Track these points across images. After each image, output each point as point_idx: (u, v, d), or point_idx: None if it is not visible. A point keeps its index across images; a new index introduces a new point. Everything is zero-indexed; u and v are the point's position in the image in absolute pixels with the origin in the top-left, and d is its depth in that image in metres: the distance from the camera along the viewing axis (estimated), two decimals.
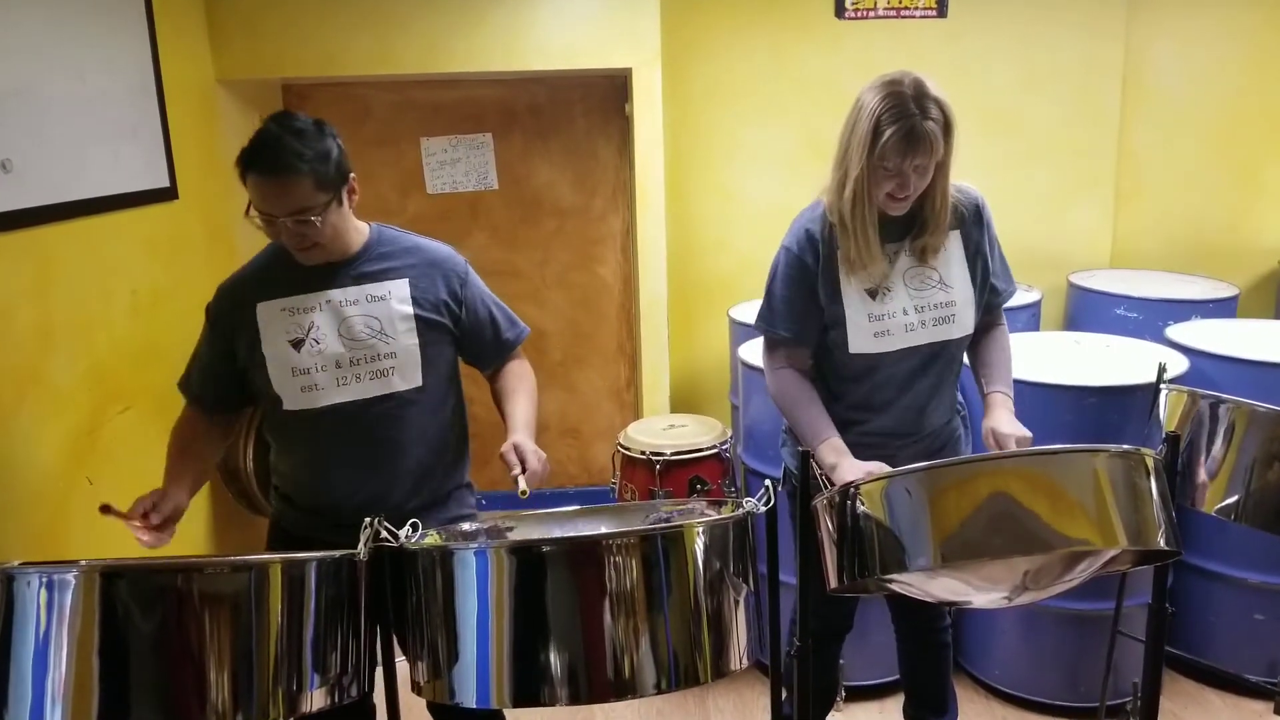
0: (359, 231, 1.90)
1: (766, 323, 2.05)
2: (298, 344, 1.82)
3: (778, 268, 2.03)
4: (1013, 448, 1.87)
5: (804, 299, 1.99)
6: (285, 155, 1.71)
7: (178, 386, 1.96)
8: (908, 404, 2.01)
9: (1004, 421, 1.95)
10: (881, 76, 1.86)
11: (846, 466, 1.88)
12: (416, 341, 1.86)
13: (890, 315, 1.94)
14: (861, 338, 1.95)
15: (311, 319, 1.83)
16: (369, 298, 1.85)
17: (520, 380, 2.02)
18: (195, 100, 3.08)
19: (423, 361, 1.87)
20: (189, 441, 1.92)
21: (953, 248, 1.99)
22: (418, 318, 1.87)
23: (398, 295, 1.87)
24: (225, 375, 1.90)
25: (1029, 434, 1.91)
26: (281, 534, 1.99)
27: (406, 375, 1.86)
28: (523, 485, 1.76)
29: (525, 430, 1.87)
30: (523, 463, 1.78)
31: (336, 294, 1.84)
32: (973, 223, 2.01)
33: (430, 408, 1.91)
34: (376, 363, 1.84)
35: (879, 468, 1.82)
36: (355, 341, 1.83)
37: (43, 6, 2.29)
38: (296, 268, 1.85)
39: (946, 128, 1.83)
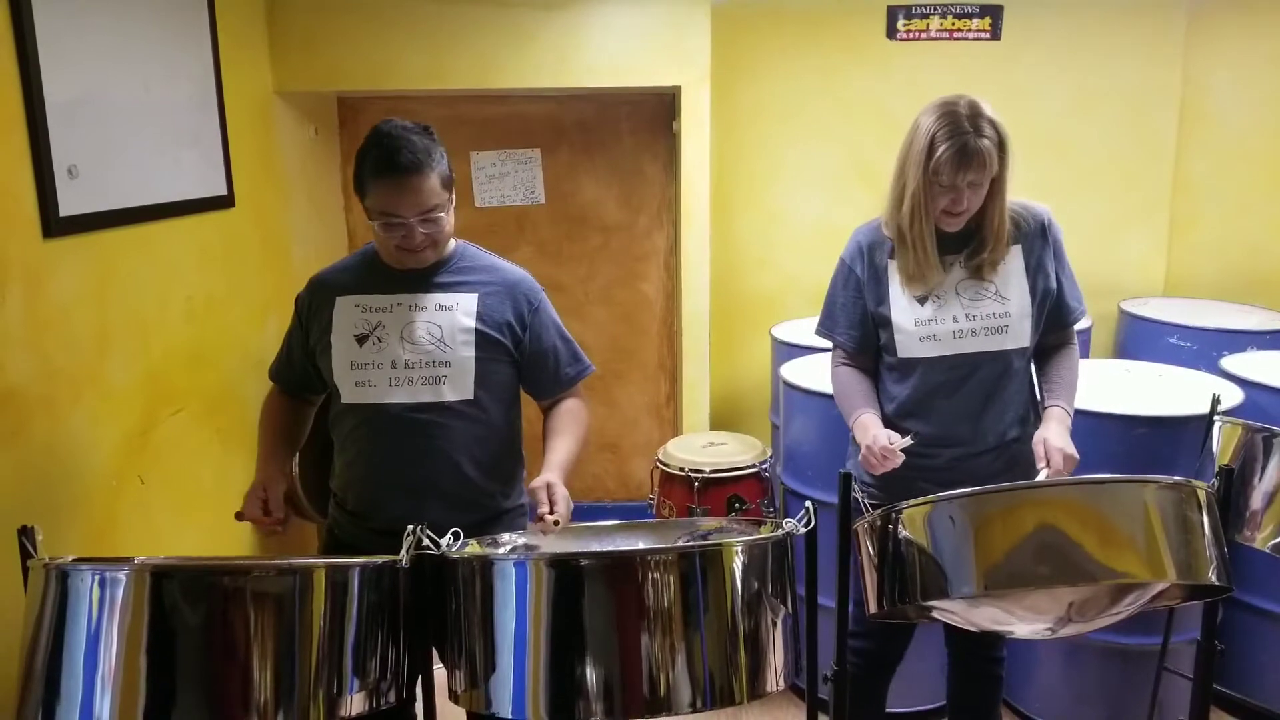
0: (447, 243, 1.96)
1: (826, 328, 2.17)
2: (361, 339, 1.89)
3: (835, 277, 2.15)
4: (1058, 460, 1.88)
5: (856, 306, 2.09)
6: (416, 153, 1.78)
7: (269, 372, 2.10)
8: (956, 410, 2.03)
9: (1056, 434, 1.94)
10: (938, 98, 1.93)
11: (870, 437, 1.95)
12: (473, 354, 1.89)
13: (939, 321, 1.99)
14: (909, 342, 2.01)
15: (380, 318, 1.90)
16: (437, 307, 1.90)
17: (569, 420, 1.99)
18: (253, 111, 3.15)
19: (477, 376, 1.89)
20: (277, 416, 2.06)
21: (1013, 262, 2.03)
22: (478, 332, 1.90)
23: (464, 308, 1.91)
24: (301, 362, 2.01)
25: (1077, 455, 1.90)
26: (333, 539, 2.04)
27: (458, 386, 1.88)
28: (545, 525, 1.74)
29: (559, 471, 1.85)
30: (552, 504, 1.76)
31: (408, 299, 1.91)
32: (1036, 235, 2.05)
33: (481, 423, 1.93)
34: (431, 369, 1.87)
35: (873, 438, 1.92)
36: (414, 345, 1.88)
37: (111, 19, 2.36)
38: (380, 270, 1.94)
39: (1001, 146, 1.90)
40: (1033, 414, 2.11)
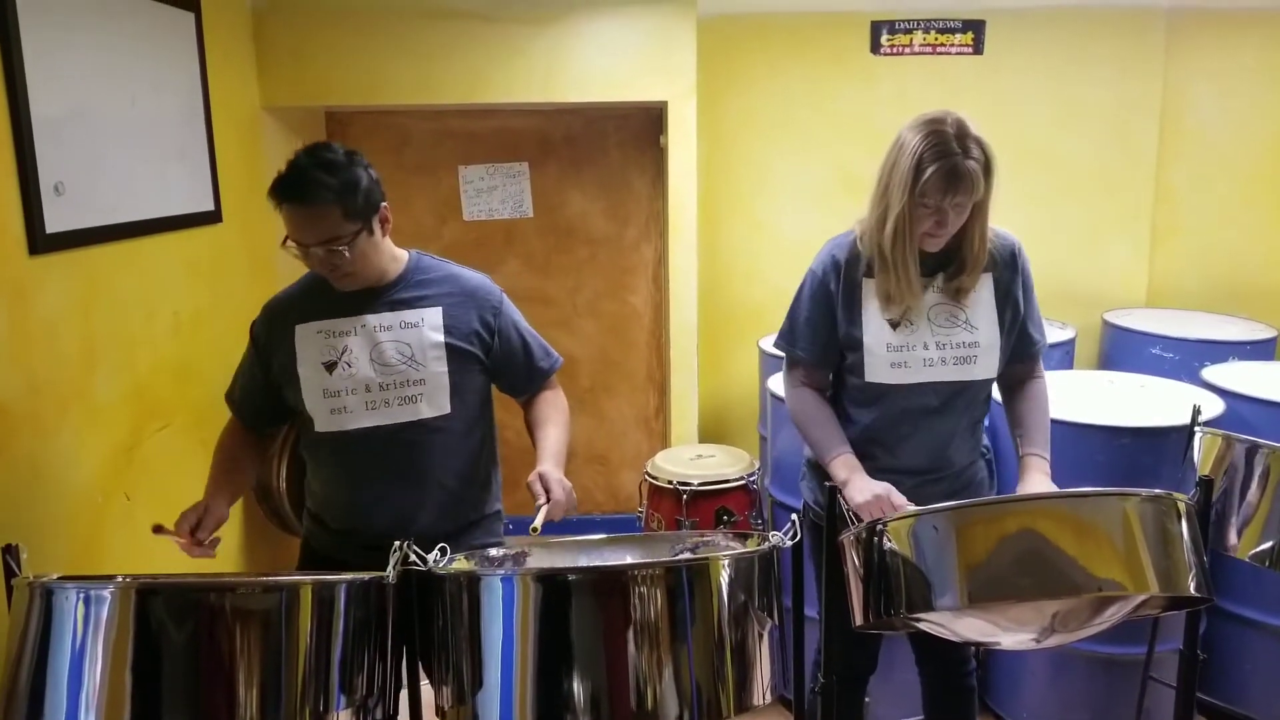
0: (396, 259, 1.93)
1: (787, 341, 2.09)
2: (330, 366, 1.86)
3: (803, 289, 2.07)
4: None
5: (825, 322, 2.02)
6: (312, 186, 1.76)
7: (225, 397, 2.03)
8: (925, 441, 2.01)
9: (1038, 486, 1.92)
10: (923, 115, 1.87)
11: (857, 484, 1.90)
12: (446, 369, 1.89)
13: (910, 348, 1.96)
14: (879, 367, 1.97)
15: (345, 343, 1.87)
16: (403, 324, 1.89)
17: (552, 409, 2.02)
18: (240, 126, 3.16)
19: (451, 389, 1.89)
20: (232, 450, 1.98)
21: (983, 290, 1.99)
22: (448, 346, 1.89)
23: (430, 323, 1.89)
24: (262, 392, 1.95)
25: None
26: (311, 553, 2.03)
27: (434, 402, 1.88)
28: (538, 520, 1.73)
29: (553, 460, 1.87)
30: (548, 492, 1.78)
31: (372, 319, 1.88)
32: (1005, 266, 2.01)
33: (458, 435, 1.93)
34: (405, 389, 1.87)
35: (887, 489, 1.88)
36: (386, 367, 1.86)
37: (98, 34, 2.37)
38: (336, 292, 1.89)
39: (987, 168, 1.84)
40: (984, 438, 2.11)
